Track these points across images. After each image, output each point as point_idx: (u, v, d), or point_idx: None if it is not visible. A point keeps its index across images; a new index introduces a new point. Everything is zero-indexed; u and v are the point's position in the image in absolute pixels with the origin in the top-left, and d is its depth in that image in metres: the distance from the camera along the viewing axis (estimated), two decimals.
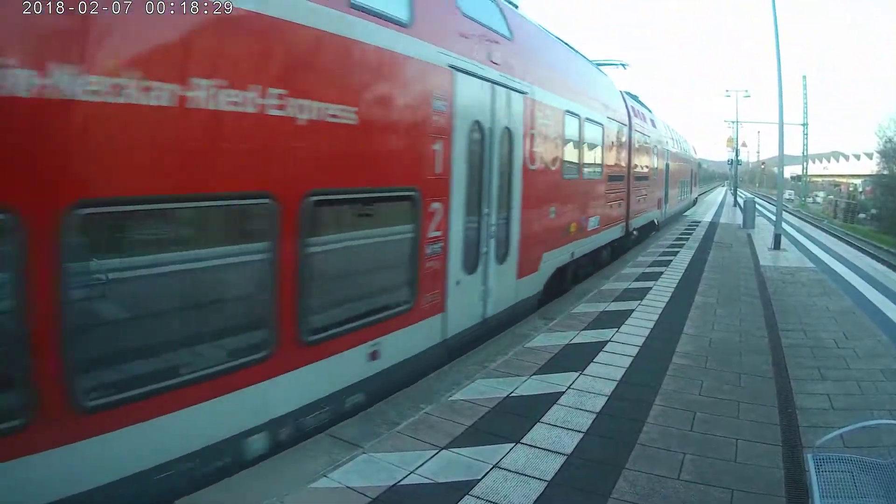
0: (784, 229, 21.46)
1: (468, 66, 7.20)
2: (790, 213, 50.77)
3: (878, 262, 25.13)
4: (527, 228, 9.07)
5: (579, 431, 5.18)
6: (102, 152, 3.62)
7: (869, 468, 3.59)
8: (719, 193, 72.03)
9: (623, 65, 19.37)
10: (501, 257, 8.41)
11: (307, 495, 4.07)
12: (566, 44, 12.98)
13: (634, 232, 18.49)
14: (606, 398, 5.93)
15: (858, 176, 67.83)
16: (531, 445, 4.89)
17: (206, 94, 4.04)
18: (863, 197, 60.23)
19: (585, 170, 12.41)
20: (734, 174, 54.06)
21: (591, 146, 12.92)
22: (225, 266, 4.54)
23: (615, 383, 6.32)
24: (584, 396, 5.94)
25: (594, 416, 5.51)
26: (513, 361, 6.92)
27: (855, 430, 4.43)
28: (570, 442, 4.97)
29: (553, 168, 10.34)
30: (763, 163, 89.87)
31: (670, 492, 4.26)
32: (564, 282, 11.45)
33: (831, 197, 67.64)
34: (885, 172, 52.70)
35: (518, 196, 8.80)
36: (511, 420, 5.37)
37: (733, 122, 51.28)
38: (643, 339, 8.00)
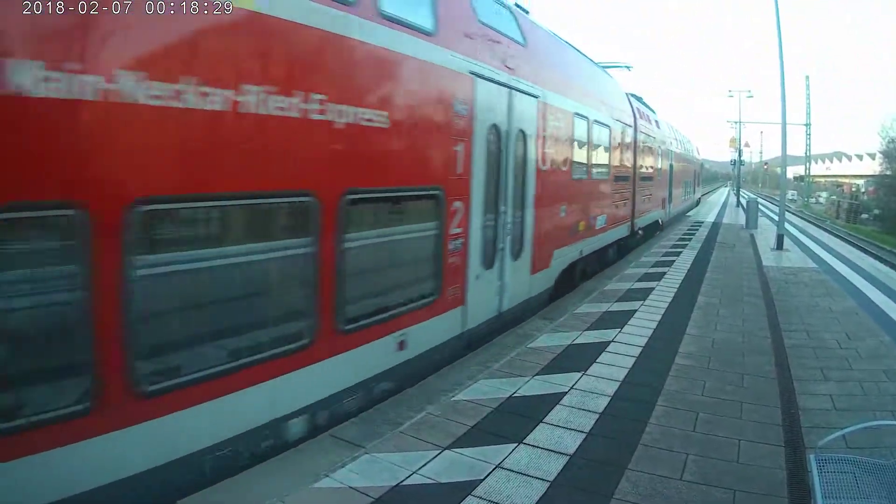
0: (787, 230, 21.43)
1: (486, 71, 7.56)
2: (793, 213, 50.66)
3: (881, 262, 25.10)
4: (539, 226, 9.45)
5: (582, 432, 5.19)
6: (162, 152, 3.91)
7: (871, 469, 3.59)
8: (722, 194, 71.95)
9: (627, 67, 19.57)
10: (516, 254, 8.75)
11: (309, 495, 4.08)
12: (574, 48, 13.24)
13: (640, 231, 18.72)
14: (609, 398, 5.93)
15: (861, 176, 67.66)
16: (534, 446, 4.89)
17: (255, 99, 4.36)
18: (865, 197, 60.08)
19: (593, 170, 12.76)
20: (737, 174, 53.98)
21: (599, 147, 13.24)
22: (269, 260, 4.83)
23: (618, 384, 6.33)
24: (586, 397, 5.95)
25: (597, 416, 5.52)
26: (515, 362, 6.93)
27: (857, 431, 4.42)
28: (572, 442, 4.98)
29: (563, 168, 10.70)
30: (766, 163, 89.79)
31: (672, 492, 4.27)
32: (574, 278, 11.77)
33: (834, 197, 67.52)
34: (888, 173, 52.63)
35: (531, 195, 9.16)
36: (514, 420, 5.37)
37: (736, 123, 51.31)
38: (646, 340, 8.01)
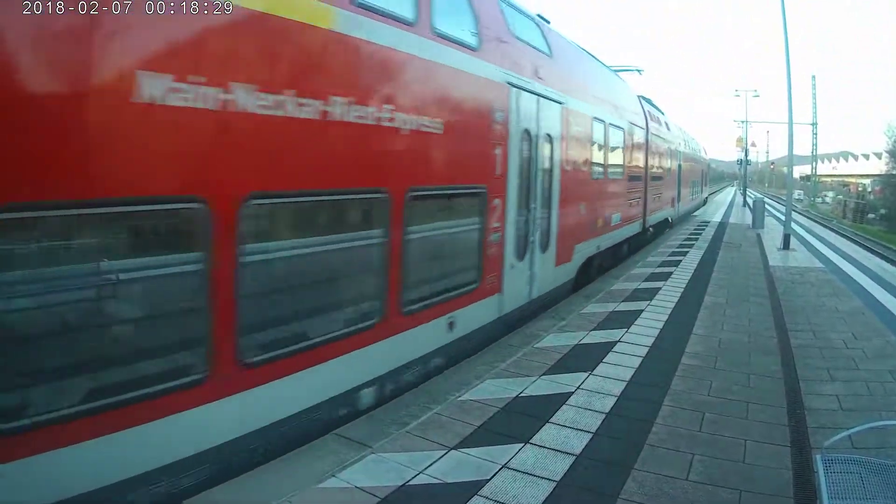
0: (793, 229, 21.38)
1: (520, 82, 8.32)
2: (799, 213, 50.42)
3: (888, 262, 24.96)
4: (563, 222, 10.28)
5: (588, 432, 5.20)
6: (267, 154, 4.48)
7: (877, 469, 3.59)
8: (728, 193, 71.69)
9: (639, 70, 20.03)
10: (544, 247, 9.57)
11: (316, 495, 4.09)
12: (591, 55, 13.92)
13: (650, 229, 19.27)
14: (616, 398, 5.94)
15: (867, 176, 67.44)
16: (540, 446, 4.90)
17: (340, 109, 5.04)
18: (872, 197, 59.86)
19: (609, 171, 13.56)
20: (743, 174, 53.79)
21: (615, 149, 14.04)
22: (350, 249, 5.59)
23: (624, 383, 6.34)
24: (593, 397, 5.96)
25: (603, 416, 5.53)
26: (522, 362, 6.94)
27: (863, 431, 4.43)
28: (579, 442, 4.99)
29: (584, 169, 11.57)
30: (772, 163, 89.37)
31: (679, 492, 4.27)
32: (591, 272, 12.51)
33: (840, 197, 67.30)
34: (895, 172, 52.38)
35: (557, 194, 9.97)
36: (520, 420, 5.39)
37: (742, 122, 51.12)
38: (652, 340, 8.01)
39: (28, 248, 3.52)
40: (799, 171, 72.26)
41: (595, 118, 12.13)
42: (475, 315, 7.43)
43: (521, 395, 5.97)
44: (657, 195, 20.03)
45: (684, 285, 12.09)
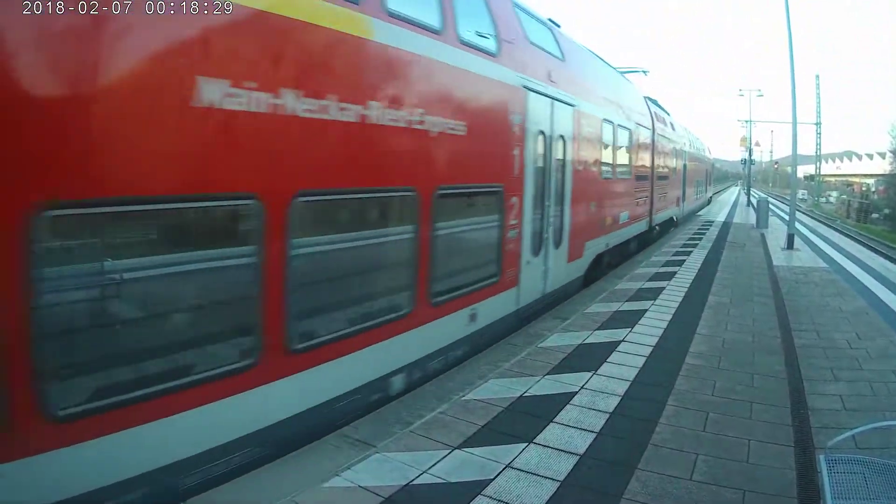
0: (797, 229, 21.32)
1: (536, 85, 8.66)
2: (803, 212, 50.28)
3: (892, 262, 24.91)
4: (575, 220, 10.67)
5: (592, 431, 5.20)
6: (313, 154, 4.81)
7: (881, 469, 3.59)
8: (732, 193, 71.59)
9: (644, 72, 20.41)
10: (557, 243, 9.96)
11: (320, 494, 4.09)
12: (599, 57, 14.25)
13: (657, 227, 19.54)
14: (619, 398, 5.94)
15: (871, 175, 67.20)
16: (544, 445, 4.91)
17: (377, 113, 5.38)
18: (875, 197, 59.68)
19: (618, 170, 13.99)
20: (747, 174, 53.66)
21: (622, 149, 14.44)
22: (385, 244, 5.98)
23: (628, 383, 6.34)
24: (597, 396, 5.97)
25: (607, 416, 5.53)
26: (526, 361, 6.95)
27: (867, 431, 4.43)
28: (582, 442, 4.99)
29: (594, 169, 11.95)
30: (776, 162, 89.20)
31: (682, 492, 4.27)
32: (600, 268, 12.91)
33: (844, 197, 67.10)
34: None
35: (569, 192, 10.34)
36: (524, 420, 5.39)
37: (746, 122, 51.00)
38: (656, 339, 8.01)
39: (115, 241, 3.86)
40: (803, 170, 72.00)
41: (604, 119, 12.47)
42: (495, 307, 7.78)
43: (525, 394, 5.98)
44: (663, 194, 20.32)
45: (688, 285, 12.08)
